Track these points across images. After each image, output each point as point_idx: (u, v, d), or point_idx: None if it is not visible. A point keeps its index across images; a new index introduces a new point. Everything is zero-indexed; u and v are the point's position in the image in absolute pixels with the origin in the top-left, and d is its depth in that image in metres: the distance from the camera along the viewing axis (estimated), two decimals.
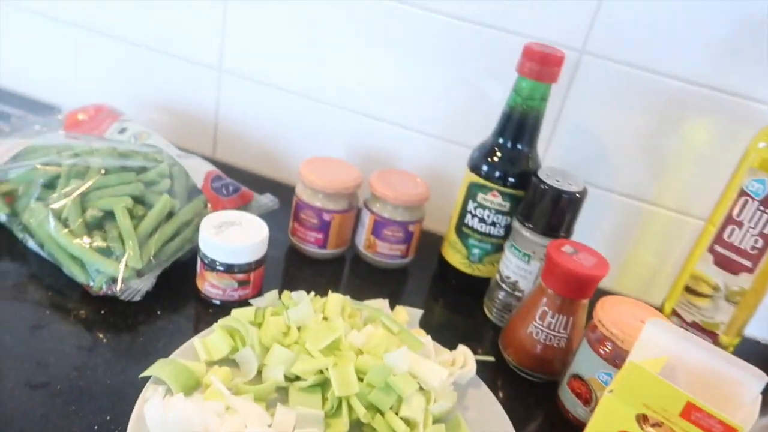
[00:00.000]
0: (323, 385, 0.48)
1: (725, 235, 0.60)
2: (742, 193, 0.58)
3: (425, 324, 0.61)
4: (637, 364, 0.44)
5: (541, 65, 0.59)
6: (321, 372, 0.48)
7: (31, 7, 0.84)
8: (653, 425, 0.46)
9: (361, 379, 0.47)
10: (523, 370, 0.59)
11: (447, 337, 0.59)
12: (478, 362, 0.55)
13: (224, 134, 0.84)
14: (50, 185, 0.58)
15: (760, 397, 0.43)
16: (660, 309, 0.67)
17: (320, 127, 0.80)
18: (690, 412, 0.42)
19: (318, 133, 0.80)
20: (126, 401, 0.45)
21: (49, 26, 0.85)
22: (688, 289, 0.63)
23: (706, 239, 0.61)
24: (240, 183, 0.70)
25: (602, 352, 0.52)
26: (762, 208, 0.57)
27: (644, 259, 0.74)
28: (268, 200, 0.70)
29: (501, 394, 0.56)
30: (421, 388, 0.48)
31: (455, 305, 0.67)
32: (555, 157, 0.72)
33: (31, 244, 0.58)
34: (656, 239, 0.73)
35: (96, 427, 0.44)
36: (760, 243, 0.58)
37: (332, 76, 0.76)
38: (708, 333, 0.62)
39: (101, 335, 0.52)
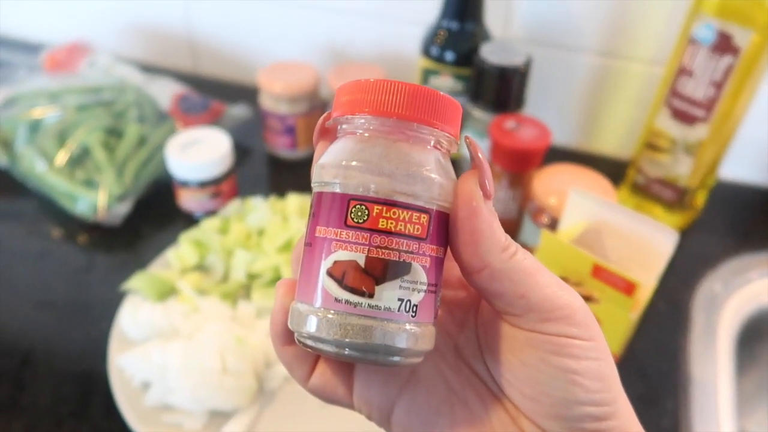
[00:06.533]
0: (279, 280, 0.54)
1: (679, 87, 0.58)
2: (692, 41, 0.56)
3: None
4: (548, 233, 0.47)
5: None
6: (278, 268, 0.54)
7: None
8: (574, 285, 0.49)
9: None
10: None
11: None
12: None
13: (201, 48, 0.86)
14: (35, 129, 0.64)
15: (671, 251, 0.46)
16: (630, 167, 0.67)
17: (282, 29, 0.80)
18: (598, 272, 0.45)
19: (281, 35, 0.80)
20: (118, 311, 0.53)
21: None
22: (649, 145, 0.63)
23: (662, 93, 0.60)
24: (214, 97, 0.73)
25: (540, 222, 0.55)
26: (711, 54, 0.55)
27: (621, 116, 0.73)
28: (240, 111, 0.73)
29: None
30: None
31: None
32: (518, 27, 0.70)
33: (31, 185, 0.65)
34: (630, 94, 0.71)
35: (93, 334, 0.52)
36: (712, 91, 0.56)
37: None
38: (671, 187, 0.63)
39: (97, 257, 0.60)
